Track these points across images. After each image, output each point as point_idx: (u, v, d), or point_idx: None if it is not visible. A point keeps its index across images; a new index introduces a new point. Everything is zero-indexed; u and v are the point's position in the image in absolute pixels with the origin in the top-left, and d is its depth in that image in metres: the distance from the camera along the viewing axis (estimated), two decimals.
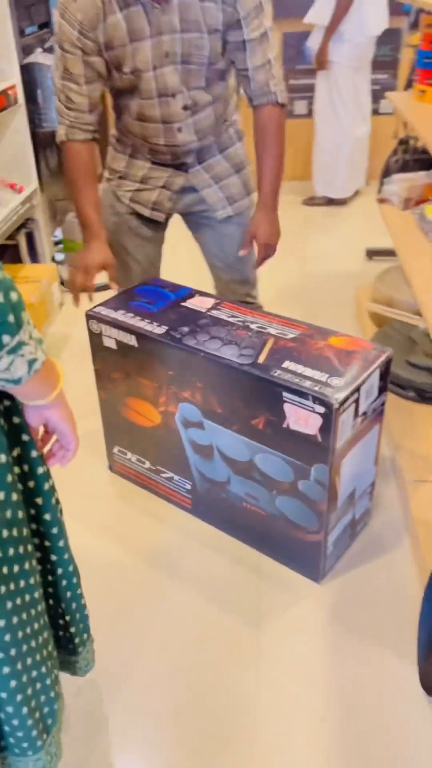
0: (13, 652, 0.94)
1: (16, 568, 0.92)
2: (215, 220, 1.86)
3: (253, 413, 1.49)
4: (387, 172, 2.68)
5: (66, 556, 1.07)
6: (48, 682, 1.04)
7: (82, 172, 1.63)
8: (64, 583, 1.09)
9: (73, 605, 1.13)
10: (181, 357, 1.55)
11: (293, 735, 1.30)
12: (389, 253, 3.19)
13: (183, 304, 1.71)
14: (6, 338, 0.73)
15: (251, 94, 1.66)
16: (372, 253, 3.28)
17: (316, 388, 1.37)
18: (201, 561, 1.69)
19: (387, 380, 1.52)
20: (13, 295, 0.72)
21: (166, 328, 1.60)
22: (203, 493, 1.75)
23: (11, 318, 0.72)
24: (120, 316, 1.66)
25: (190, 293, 1.76)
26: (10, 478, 0.88)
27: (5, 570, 0.90)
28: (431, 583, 1.34)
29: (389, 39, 3.79)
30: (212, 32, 1.53)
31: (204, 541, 1.74)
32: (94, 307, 1.70)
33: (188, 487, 1.78)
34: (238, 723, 1.32)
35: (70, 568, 1.09)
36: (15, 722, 1.00)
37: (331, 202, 3.97)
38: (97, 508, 1.87)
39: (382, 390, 1.53)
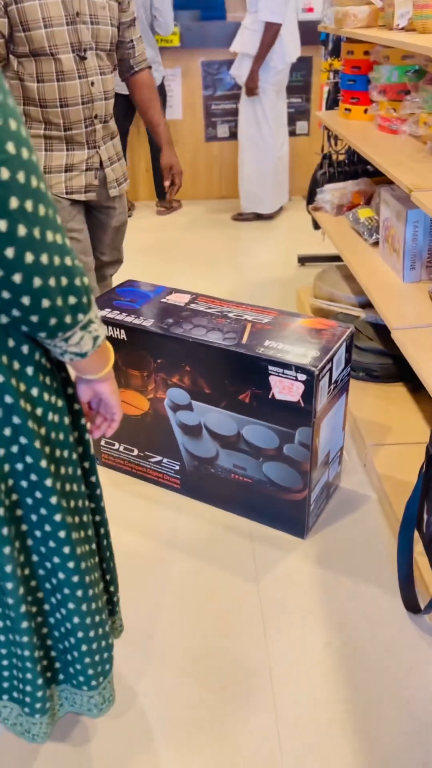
0: (80, 593, 1.06)
1: (78, 519, 1.05)
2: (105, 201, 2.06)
3: (240, 389, 1.68)
4: (315, 184, 2.98)
5: (106, 516, 1.21)
6: (107, 629, 1.17)
7: None
8: (105, 542, 1.23)
9: (112, 564, 1.27)
10: (170, 345, 1.72)
11: (303, 660, 1.48)
12: (320, 258, 3.49)
13: (162, 300, 1.88)
14: (80, 316, 0.85)
15: (134, 62, 2.04)
16: (304, 260, 3.57)
17: (297, 360, 1.59)
18: (196, 533, 1.85)
19: (351, 353, 1.76)
20: (86, 280, 0.87)
21: (152, 320, 1.78)
22: (192, 471, 1.92)
23: (84, 299, 0.86)
24: (107, 314, 1.82)
25: (168, 291, 1.94)
26: (71, 438, 1.02)
27: (77, 519, 1.03)
28: (404, 520, 1.57)
29: (301, 66, 4.17)
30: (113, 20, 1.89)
31: (196, 516, 1.91)
32: None
33: (177, 468, 1.94)
34: (253, 660, 1.49)
35: (108, 527, 1.22)
36: (76, 653, 1.12)
37: (258, 217, 4.26)
38: None
39: (348, 362, 1.76)
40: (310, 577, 1.70)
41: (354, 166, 2.92)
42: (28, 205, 0.72)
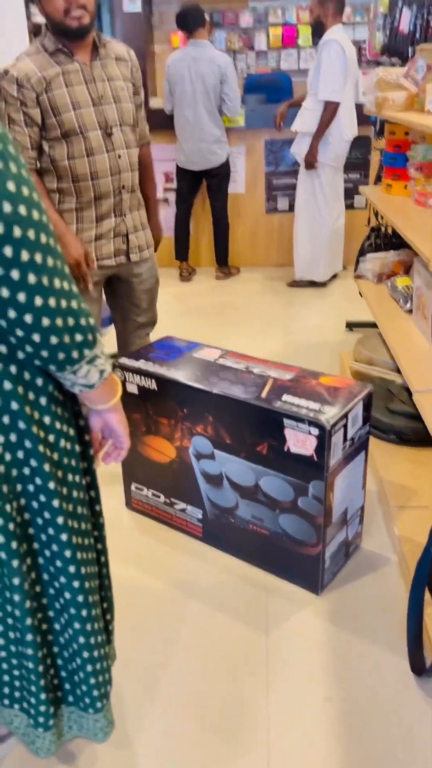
0: (84, 612, 1.14)
1: (83, 541, 1.15)
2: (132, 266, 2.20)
3: (258, 440, 1.76)
4: (362, 253, 3.09)
5: (106, 545, 1.28)
6: (107, 650, 1.24)
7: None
8: (104, 570, 1.30)
9: (110, 593, 1.34)
10: (196, 396, 1.83)
11: (302, 714, 1.48)
12: (368, 324, 3.56)
13: (194, 355, 2.01)
14: (86, 352, 0.98)
15: (137, 136, 2.15)
16: (352, 325, 3.65)
17: (312, 415, 1.66)
18: (213, 580, 1.90)
19: (369, 412, 1.81)
20: (91, 320, 1.00)
21: (182, 373, 1.90)
22: (213, 521, 1.98)
23: (90, 336, 0.99)
24: (142, 365, 1.96)
25: (200, 347, 2.07)
26: (81, 465, 1.13)
27: (82, 541, 1.12)
28: (415, 580, 1.57)
29: (360, 144, 4.37)
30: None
31: (215, 564, 1.96)
32: (119, 358, 2.00)
33: (199, 516, 2.01)
34: (252, 707, 1.50)
35: (107, 556, 1.30)
36: (82, 674, 1.18)
37: (312, 284, 4.40)
38: (117, 540, 2.08)
39: (366, 421, 1.81)
40: (320, 633, 1.70)
41: (399, 238, 3.02)
42: (38, 257, 0.87)
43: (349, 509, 1.87)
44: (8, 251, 0.83)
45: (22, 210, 0.84)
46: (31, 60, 1.90)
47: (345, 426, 1.70)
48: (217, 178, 4.36)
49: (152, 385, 1.92)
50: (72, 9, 1.82)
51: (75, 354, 0.96)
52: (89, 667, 1.18)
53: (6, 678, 1.19)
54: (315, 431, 1.64)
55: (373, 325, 3.52)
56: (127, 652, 1.58)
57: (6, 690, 1.21)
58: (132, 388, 1.97)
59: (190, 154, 4.27)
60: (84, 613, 1.14)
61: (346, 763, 1.38)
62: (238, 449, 1.81)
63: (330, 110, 3.84)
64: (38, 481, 1.05)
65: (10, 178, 0.82)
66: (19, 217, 0.84)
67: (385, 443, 2.38)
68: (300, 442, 1.68)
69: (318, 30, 3.87)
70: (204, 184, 4.45)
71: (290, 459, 1.72)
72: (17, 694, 1.22)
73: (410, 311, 2.44)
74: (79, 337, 0.96)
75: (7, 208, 0.82)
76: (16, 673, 1.20)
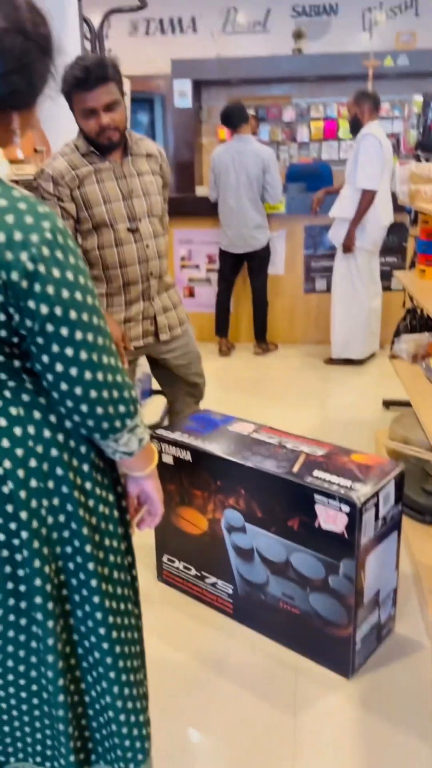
0: (113, 674, 1.15)
1: (122, 606, 1.17)
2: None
3: (289, 515, 1.77)
4: (397, 334, 3.15)
5: (140, 608, 1.31)
6: (145, 717, 1.23)
7: None
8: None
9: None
10: (229, 469, 1.87)
11: None
12: (404, 403, 3.57)
13: (228, 428, 2.06)
14: (128, 421, 1.06)
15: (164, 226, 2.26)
16: (388, 404, 3.67)
17: (343, 491, 1.67)
18: (243, 659, 1.87)
19: (402, 491, 1.82)
20: (134, 393, 1.08)
21: (216, 445, 1.95)
22: (244, 597, 1.97)
23: (132, 408, 1.07)
24: (177, 436, 2.02)
25: (234, 420, 2.12)
26: (119, 530, 1.18)
27: (119, 606, 1.15)
28: None
29: (397, 230, 4.52)
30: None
31: (244, 642, 1.93)
32: (156, 429, 2.07)
33: (230, 591, 2.01)
34: None
35: (141, 621, 1.31)
36: (116, 739, 1.17)
37: (349, 362, 4.45)
38: (147, 612, 2.07)
39: (398, 500, 1.82)
40: (350, 719, 1.65)
41: None
42: (89, 336, 0.97)
43: (381, 591, 1.84)
44: (64, 331, 0.94)
45: (78, 296, 0.95)
46: (65, 159, 2.06)
47: (377, 504, 1.71)
48: (258, 260, 4.54)
49: (187, 456, 1.97)
50: (104, 131, 1.99)
51: (118, 423, 1.04)
52: (124, 730, 1.18)
53: (39, 736, 1.20)
54: (346, 508, 1.65)
55: (410, 404, 3.53)
56: (153, 727, 1.55)
57: (39, 748, 1.21)
58: (167, 459, 2.02)
59: (232, 239, 4.48)
60: (112, 675, 1.16)
61: None
62: (270, 523, 1.83)
63: (367, 198, 4.01)
64: (76, 543, 1.10)
65: (69, 268, 0.94)
66: (75, 302, 0.95)
67: (420, 524, 2.35)
68: (331, 518, 1.69)
69: (355, 126, 4.10)
70: (245, 266, 4.64)
71: (321, 536, 1.72)
72: (48, 752, 1.22)
73: None
74: (122, 408, 1.03)
75: (65, 294, 0.93)
76: (48, 732, 1.21)
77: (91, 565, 1.11)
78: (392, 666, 1.82)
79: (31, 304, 0.92)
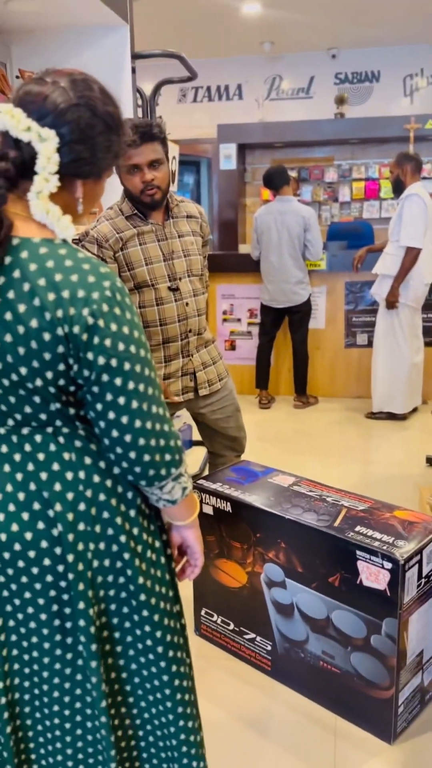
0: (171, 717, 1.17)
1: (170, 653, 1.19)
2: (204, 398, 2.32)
3: (330, 571, 1.76)
4: None
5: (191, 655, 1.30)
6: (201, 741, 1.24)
7: None
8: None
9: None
10: (269, 521, 1.87)
11: None
12: None
13: (269, 480, 2.07)
14: (173, 470, 1.09)
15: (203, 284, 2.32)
16: None
17: (385, 548, 1.65)
18: (281, 719, 1.82)
19: None
20: (179, 442, 1.12)
21: (255, 497, 1.96)
22: (283, 654, 1.93)
23: (177, 456, 1.10)
24: (218, 487, 2.03)
25: (274, 472, 2.13)
26: (168, 577, 1.19)
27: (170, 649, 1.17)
28: None
29: None
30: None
31: (283, 701, 1.88)
32: (197, 480, 2.09)
33: (269, 648, 1.97)
34: None
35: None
36: (185, 761, 1.18)
37: (391, 416, 4.42)
38: None
39: None
40: None
41: None
42: (141, 387, 1.02)
43: (425, 652, 1.79)
44: (118, 381, 1.00)
45: (132, 349, 1.01)
46: (110, 223, 2.15)
47: (420, 562, 1.68)
48: (299, 314, 4.61)
49: (227, 507, 1.99)
50: (147, 188, 2.08)
51: (163, 471, 1.08)
52: (184, 749, 1.19)
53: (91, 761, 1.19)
54: (388, 565, 1.63)
55: None
56: None
57: None
58: (207, 510, 2.03)
59: (274, 294, 4.57)
60: (177, 723, 1.18)
61: None
62: (310, 579, 1.81)
63: (411, 255, 4.06)
64: (129, 587, 1.11)
65: (126, 323, 1.01)
66: (130, 354, 1.01)
67: None
68: (373, 575, 1.67)
69: (398, 187, 4.19)
70: (286, 320, 4.71)
71: (363, 593, 1.69)
72: None
73: None
74: (168, 457, 1.07)
75: (121, 347, 1.00)
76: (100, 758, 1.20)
77: (145, 612, 1.13)
78: None
79: (90, 355, 0.98)
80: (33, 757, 1.19)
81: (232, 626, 2.07)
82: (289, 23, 6.06)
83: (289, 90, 7.30)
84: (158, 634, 1.15)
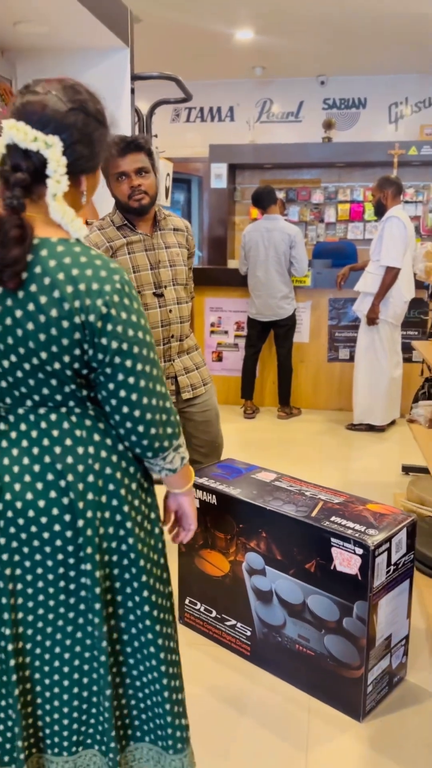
0: (162, 655, 1.28)
1: (163, 611, 1.31)
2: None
3: (307, 558, 1.89)
4: (416, 400, 3.30)
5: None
6: (183, 696, 1.34)
7: None
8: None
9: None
10: (252, 512, 2.01)
11: None
12: (424, 470, 3.67)
13: (252, 476, 2.21)
14: (174, 441, 1.24)
15: (188, 293, 2.44)
16: (408, 469, 3.77)
17: (357, 535, 1.80)
18: (257, 699, 1.94)
19: (413, 540, 1.93)
20: (177, 417, 1.26)
21: (239, 490, 2.09)
22: (261, 639, 2.06)
23: (177, 429, 1.25)
24: (205, 481, 2.17)
25: (258, 469, 2.27)
26: (160, 545, 1.32)
27: (159, 610, 1.29)
28: None
29: (420, 305, 4.75)
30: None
31: (261, 684, 2.01)
32: None
33: (248, 633, 2.10)
34: None
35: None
36: (169, 718, 1.28)
37: (371, 428, 4.58)
38: None
39: (410, 548, 1.92)
40: (359, 759, 1.71)
41: None
42: (147, 368, 1.17)
43: (393, 636, 1.92)
44: (129, 363, 1.14)
45: (140, 334, 1.16)
46: (101, 233, 2.31)
47: (389, 549, 1.82)
48: (284, 328, 4.78)
49: (212, 499, 2.12)
50: (135, 193, 2.24)
51: (166, 443, 1.22)
52: (168, 718, 1.30)
53: (92, 721, 1.30)
54: (360, 551, 1.77)
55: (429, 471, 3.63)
56: None
57: (90, 731, 1.30)
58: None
59: (260, 308, 4.74)
60: (161, 668, 1.28)
61: None
62: (288, 566, 1.94)
63: (391, 275, 4.25)
64: (130, 555, 1.24)
65: (133, 312, 1.15)
66: (138, 339, 1.16)
67: None
68: (346, 561, 1.81)
69: (379, 209, 4.40)
70: (271, 333, 4.87)
71: (337, 578, 1.83)
72: (98, 737, 1.31)
73: None
74: (169, 430, 1.22)
75: (131, 332, 1.14)
76: (94, 711, 1.30)
77: (144, 578, 1.25)
78: (403, 712, 1.88)
79: (104, 340, 1.12)
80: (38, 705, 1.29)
81: (214, 614, 2.19)
82: (280, 50, 6.31)
83: (279, 113, 7.55)
84: (153, 598, 1.27)
